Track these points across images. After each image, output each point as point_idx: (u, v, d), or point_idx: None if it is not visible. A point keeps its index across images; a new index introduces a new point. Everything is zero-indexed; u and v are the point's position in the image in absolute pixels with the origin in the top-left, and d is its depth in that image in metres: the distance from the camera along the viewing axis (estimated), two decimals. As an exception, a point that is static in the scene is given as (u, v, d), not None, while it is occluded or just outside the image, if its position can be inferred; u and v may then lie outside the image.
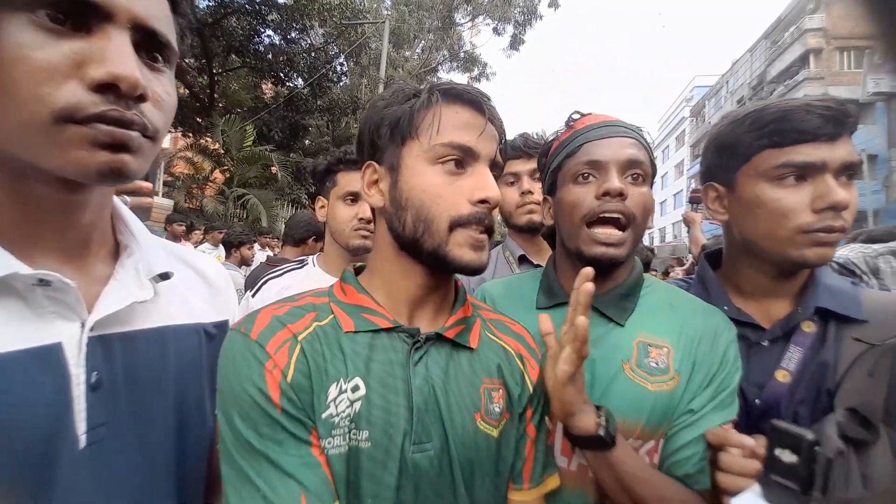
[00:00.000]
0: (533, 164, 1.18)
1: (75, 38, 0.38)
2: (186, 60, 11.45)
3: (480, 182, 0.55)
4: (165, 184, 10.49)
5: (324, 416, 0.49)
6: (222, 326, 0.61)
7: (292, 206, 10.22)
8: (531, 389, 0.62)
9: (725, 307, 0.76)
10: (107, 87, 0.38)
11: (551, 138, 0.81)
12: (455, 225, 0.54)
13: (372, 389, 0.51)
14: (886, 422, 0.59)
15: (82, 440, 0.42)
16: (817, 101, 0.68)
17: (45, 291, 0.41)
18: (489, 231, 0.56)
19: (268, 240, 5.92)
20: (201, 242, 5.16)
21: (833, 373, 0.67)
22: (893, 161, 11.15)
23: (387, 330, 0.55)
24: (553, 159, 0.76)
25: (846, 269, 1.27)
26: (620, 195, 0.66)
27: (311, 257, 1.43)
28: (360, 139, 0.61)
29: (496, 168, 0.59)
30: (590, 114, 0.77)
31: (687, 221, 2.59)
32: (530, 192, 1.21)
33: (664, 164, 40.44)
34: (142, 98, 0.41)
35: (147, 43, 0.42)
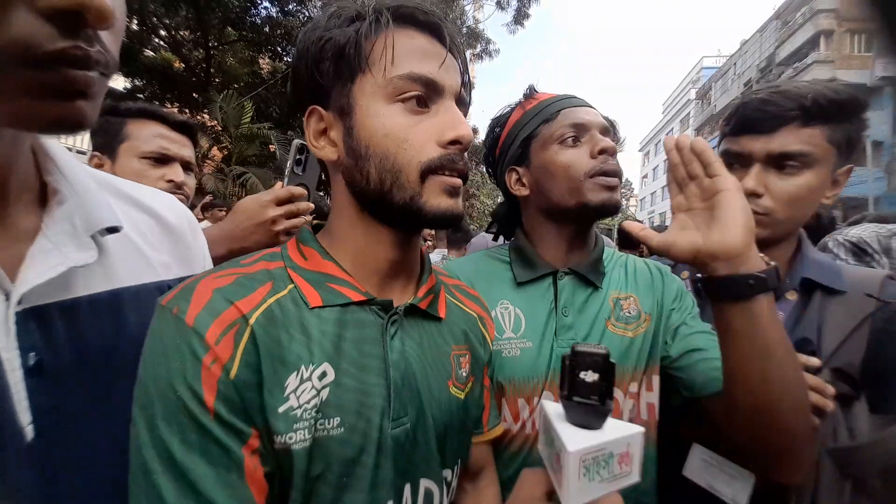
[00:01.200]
0: None
1: None
2: (182, 33, 11.15)
3: (449, 120, 0.48)
4: (163, 160, 10.36)
5: (281, 410, 0.42)
6: None
7: (291, 185, 10.16)
8: (490, 348, 0.66)
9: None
10: (68, 15, 0.29)
11: (505, 113, 0.84)
12: (427, 172, 0.47)
13: (343, 372, 0.46)
14: (862, 381, 0.67)
15: (29, 431, 0.36)
16: (776, 92, 0.76)
17: None
18: (463, 176, 0.50)
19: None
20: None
21: (817, 338, 0.76)
22: (896, 148, 11.06)
23: (358, 303, 0.49)
24: (520, 129, 0.79)
25: (858, 248, 1.29)
26: (613, 154, 0.74)
27: None
28: (297, 79, 0.51)
29: (462, 105, 0.52)
30: (544, 91, 0.82)
31: None
32: None
33: (667, 148, 39.87)
34: (107, 27, 0.31)
35: None
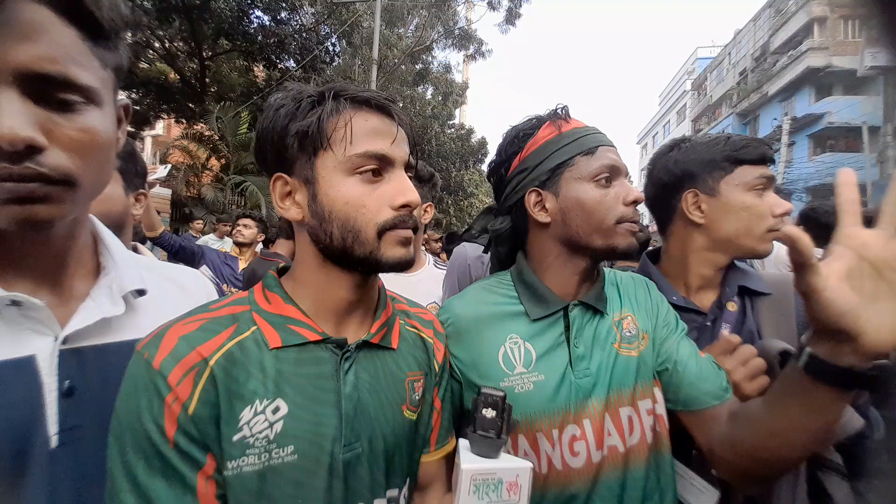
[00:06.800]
0: None
1: None
2: (175, 44, 11.21)
3: (400, 187, 0.56)
4: (162, 172, 10.43)
5: (234, 438, 0.49)
6: None
7: (290, 191, 10.20)
8: (437, 370, 0.69)
9: (674, 297, 0.90)
10: None
11: (531, 125, 0.79)
12: (382, 230, 0.55)
13: (298, 406, 0.52)
14: None
15: (53, 440, 0.47)
16: (760, 140, 0.91)
17: (20, 311, 0.47)
18: (414, 228, 0.58)
19: (227, 228, 5.36)
20: (204, 233, 5.20)
21: (758, 336, 0.85)
22: (888, 136, 11.02)
23: (315, 342, 0.55)
24: (554, 152, 0.75)
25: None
26: (640, 203, 0.78)
27: None
28: (262, 150, 0.59)
29: (410, 169, 0.60)
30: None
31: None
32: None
33: (664, 140, 39.92)
34: (36, 149, 0.41)
35: (45, 86, 0.42)
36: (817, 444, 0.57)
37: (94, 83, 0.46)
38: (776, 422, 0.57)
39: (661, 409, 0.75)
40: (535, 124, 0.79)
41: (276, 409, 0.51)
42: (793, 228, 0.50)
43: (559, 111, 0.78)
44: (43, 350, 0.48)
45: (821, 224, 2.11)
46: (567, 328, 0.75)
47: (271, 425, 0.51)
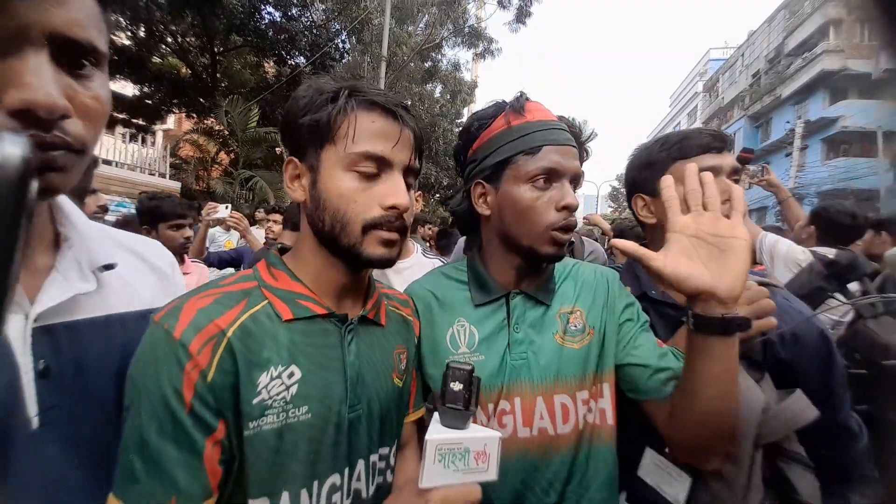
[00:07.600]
0: None
1: None
2: (188, 39, 11.32)
3: (392, 189, 0.60)
4: (173, 166, 10.57)
5: (255, 401, 0.53)
6: None
7: (298, 187, 10.24)
8: (416, 344, 0.78)
9: (653, 292, 0.91)
10: (24, 113, 0.38)
11: (489, 113, 0.80)
12: (368, 227, 0.59)
13: (310, 371, 0.58)
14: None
15: (34, 421, 0.45)
16: (705, 129, 0.89)
17: None
18: (401, 231, 0.62)
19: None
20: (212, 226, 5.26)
21: None
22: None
23: (321, 316, 0.61)
24: (499, 147, 0.76)
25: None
26: (574, 210, 0.76)
27: None
28: (283, 132, 0.65)
29: (411, 173, 0.64)
30: (535, 102, 0.79)
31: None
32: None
33: (674, 142, 39.37)
34: (63, 117, 0.40)
35: (70, 52, 0.41)
36: (726, 394, 0.63)
37: (105, 49, 0.45)
38: (690, 381, 0.65)
39: (604, 404, 0.77)
40: (492, 113, 0.80)
41: (291, 374, 0.56)
42: (617, 241, 0.66)
43: (515, 101, 0.78)
44: (15, 330, 0.44)
45: (832, 223, 2.09)
46: (509, 315, 0.79)
47: (287, 388, 0.56)
